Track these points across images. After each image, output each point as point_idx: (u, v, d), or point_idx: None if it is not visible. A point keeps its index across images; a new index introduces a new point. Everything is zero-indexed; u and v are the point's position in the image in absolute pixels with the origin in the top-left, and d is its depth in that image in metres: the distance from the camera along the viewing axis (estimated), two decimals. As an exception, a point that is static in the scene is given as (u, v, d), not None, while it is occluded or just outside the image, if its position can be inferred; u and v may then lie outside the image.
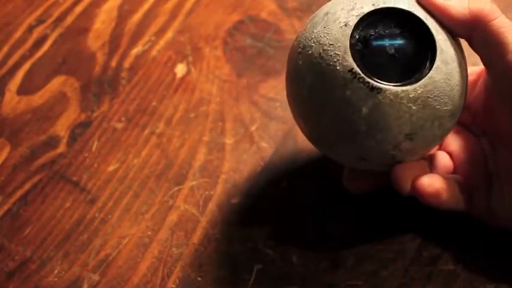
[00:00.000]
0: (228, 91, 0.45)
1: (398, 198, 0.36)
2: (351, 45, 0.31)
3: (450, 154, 0.37)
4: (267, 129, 0.43)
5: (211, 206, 0.39)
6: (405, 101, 0.30)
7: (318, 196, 0.39)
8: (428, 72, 0.30)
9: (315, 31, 0.32)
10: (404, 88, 0.30)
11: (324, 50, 0.31)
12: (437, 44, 0.31)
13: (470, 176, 0.36)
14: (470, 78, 0.35)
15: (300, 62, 0.32)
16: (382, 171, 0.35)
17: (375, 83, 0.30)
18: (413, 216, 0.37)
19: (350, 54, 0.30)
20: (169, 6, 0.51)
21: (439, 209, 0.35)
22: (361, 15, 0.31)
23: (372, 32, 0.31)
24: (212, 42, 0.49)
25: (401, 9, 0.31)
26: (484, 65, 0.33)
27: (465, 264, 0.36)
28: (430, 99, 0.31)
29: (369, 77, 0.30)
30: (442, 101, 0.31)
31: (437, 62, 0.31)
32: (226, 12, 0.50)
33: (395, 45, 0.31)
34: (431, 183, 0.34)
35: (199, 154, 0.42)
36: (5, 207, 0.40)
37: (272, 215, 0.39)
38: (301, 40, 0.33)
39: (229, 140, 0.43)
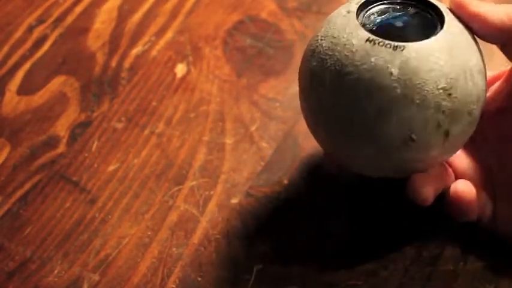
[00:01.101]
0: (228, 91, 0.45)
1: (398, 198, 0.36)
2: (361, 25, 0.31)
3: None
4: (267, 129, 0.43)
5: (211, 206, 0.39)
6: (431, 52, 0.30)
7: (317, 196, 0.39)
8: (443, 28, 0.31)
9: (322, 30, 0.33)
10: (426, 41, 0.30)
11: (334, 37, 0.32)
12: (445, 13, 0.32)
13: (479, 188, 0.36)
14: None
15: (314, 63, 0.32)
16: (399, 177, 0.34)
17: (396, 43, 0.30)
18: (414, 216, 0.37)
19: (362, 29, 0.31)
20: (169, 6, 0.51)
21: (462, 219, 0.34)
22: (361, 1, 0.32)
23: (377, 11, 0.32)
24: (212, 42, 0.49)
25: None
26: None
27: (465, 264, 0.36)
28: (454, 50, 0.31)
29: (389, 39, 0.30)
30: (466, 52, 0.31)
31: (448, 22, 0.32)
32: (226, 12, 0.50)
33: (404, 19, 0.32)
34: (469, 189, 0.33)
35: (199, 154, 0.42)
36: (5, 207, 0.40)
37: (272, 215, 0.39)
38: (312, 43, 0.33)
39: (229, 140, 0.43)
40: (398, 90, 0.30)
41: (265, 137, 0.43)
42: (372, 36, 0.30)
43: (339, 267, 0.36)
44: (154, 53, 0.48)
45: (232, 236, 0.38)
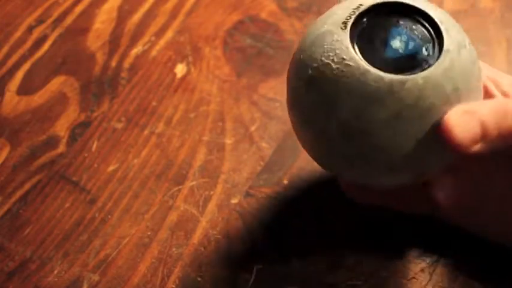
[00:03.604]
0: (228, 91, 0.45)
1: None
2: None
3: None
4: (267, 129, 0.43)
5: (211, 206, 0.39)
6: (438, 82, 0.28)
7: (318, 196, 0.39)
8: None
9: (312, 51, 0.30)
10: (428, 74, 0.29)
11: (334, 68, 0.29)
12: (439, 24, 0.30)
13: None
14: None
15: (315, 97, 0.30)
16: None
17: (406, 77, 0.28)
18: (414, 216, 0.37)
19: (371, 68, 0.28)
20: (169, 6, 0.51)
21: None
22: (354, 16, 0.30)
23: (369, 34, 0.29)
24: (212, 42, 0.49)
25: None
26: None
27: (465, 264, 0.36)
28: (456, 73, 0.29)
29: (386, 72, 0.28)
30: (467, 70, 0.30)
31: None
32: (226, 12, 0.50)
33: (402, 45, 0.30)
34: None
35: (199, 154, 0.42)
36: (5, 207, 0.40)
37: (272, 215, 0.39)
38: (300, 67, 0.31)
39: (229, 140, 0.43)
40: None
41: (265, 137, 0.43)
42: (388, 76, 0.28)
43: (339, 267, 0.36)
44: (154, 53, 0.48)
45: (232, 236, 0.38)
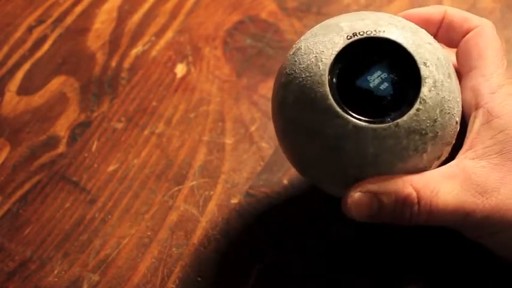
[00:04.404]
0: (228, 91, 0.45)
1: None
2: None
3: None
4: (267, 129, 0.43)
5: (211, 206, 0.39)
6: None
7: (317, 196, 0.39)
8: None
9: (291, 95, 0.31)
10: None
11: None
12: (420, 69, 0.30)
13: None
14: None
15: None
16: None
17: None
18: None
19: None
20: (169, 6, 0.51)
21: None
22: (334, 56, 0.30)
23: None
24: (212, 42, 0.49)
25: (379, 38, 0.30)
26: None
27: (469, 263, 0.36)
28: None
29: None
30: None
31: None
32: (226, 13, 0.50)
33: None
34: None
35: (199, 154, 0.42)
36: (5, 207, 0.40)
37: (272, 215, 0.39)
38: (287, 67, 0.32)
39: (229, 140, 0.43)
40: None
41: (265, 137, 0.43)
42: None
43: (339, 267, 0.36)
44: (154, 53, 0.48)
45: (232, 236, 0.38)
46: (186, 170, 0.41)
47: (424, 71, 0.29)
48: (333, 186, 0.33)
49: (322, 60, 0.30)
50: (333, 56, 0.30)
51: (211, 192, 0.40)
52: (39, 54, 0.49)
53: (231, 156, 0.42)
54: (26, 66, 0.48)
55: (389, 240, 0.37)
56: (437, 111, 0.30)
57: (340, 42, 0.30)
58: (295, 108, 0.31)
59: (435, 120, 0.30)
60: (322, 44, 0.30)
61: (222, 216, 0.39)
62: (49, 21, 0.51)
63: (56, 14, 0.51)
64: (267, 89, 0.45)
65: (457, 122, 0.31)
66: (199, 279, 0.36)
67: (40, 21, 0.51)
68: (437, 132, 0.30)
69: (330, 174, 0.31)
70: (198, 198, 0.40)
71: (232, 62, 0.47)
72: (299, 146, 0.32)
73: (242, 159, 0.41)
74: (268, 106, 0.44)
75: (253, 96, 0.45)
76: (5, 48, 0.49)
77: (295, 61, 0.31)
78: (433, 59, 0.30)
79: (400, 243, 0.37)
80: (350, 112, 0.29)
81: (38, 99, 0.46)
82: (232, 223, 0.39)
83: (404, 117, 0.29)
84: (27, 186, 0.41)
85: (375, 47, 0.30)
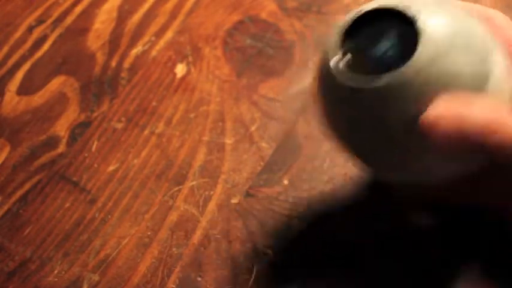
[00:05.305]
0: (228, 91, 0.45)
1: (399, 199, 0.36)
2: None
3: None
4: (267, 129, 0.43)
5: (211, 206, 0.39)
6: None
7: (318, 196, 0.39)
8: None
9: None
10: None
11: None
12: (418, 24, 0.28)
13: None
14: None
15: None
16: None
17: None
18: (416, 216, 0.37)
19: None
20: (169, 6, 0.51)
21: None
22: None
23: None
24: (212, 42, 0.49)
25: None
26: None
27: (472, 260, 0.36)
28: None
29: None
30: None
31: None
32: (226, 13, 0.50)
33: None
34: None
35: (199, 154, 0.42)
36: (5, 207, 0.40)
37: (272, 215, 0.39)
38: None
39: (229, 140, 0.43)
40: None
41: (265, 137, 0.43)
42: None
43: (339, 267, 0.36)
44: (154, 53, 0.48)
45: (232, 236, 0.38)
46: (186, 170, 0.41)
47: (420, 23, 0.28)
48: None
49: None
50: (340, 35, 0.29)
51: (211, 192, 0.40)
52: (39, 54, 0.49)
53: (231, 156, 0.42)
54: (26, 66, 0.48)
55: (390, 240, 0.37)
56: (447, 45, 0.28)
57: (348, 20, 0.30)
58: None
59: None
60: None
61: (222, 216, 0.39)
62: (49, 21, 0.51)
63: (56, 14, 0.51)
64: (267, 89, 0.45)
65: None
66: (199, 279, 0.36)
67: (40, 21, 0.51)
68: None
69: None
70: (198, 198, 0.40)
71: (232, 62, 0.47)
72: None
73: (242, 159, 0.41)
74: (268, 106, 0.44)
75: (253, 96, 0.45)
76: (5, 48, 0.49)
77: None
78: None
79: (400, 243, 0.37)
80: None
81: (38, 99, 0.46)
82: (232, 223, 0.39)
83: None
84: (27, 186, 0.41)
85: (381, 18, 0.29)
